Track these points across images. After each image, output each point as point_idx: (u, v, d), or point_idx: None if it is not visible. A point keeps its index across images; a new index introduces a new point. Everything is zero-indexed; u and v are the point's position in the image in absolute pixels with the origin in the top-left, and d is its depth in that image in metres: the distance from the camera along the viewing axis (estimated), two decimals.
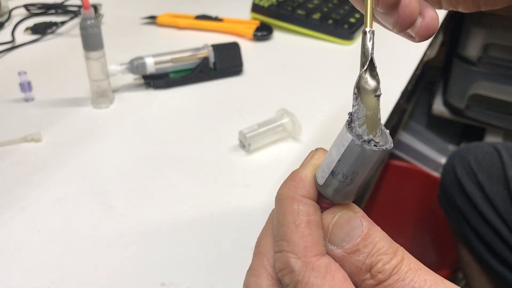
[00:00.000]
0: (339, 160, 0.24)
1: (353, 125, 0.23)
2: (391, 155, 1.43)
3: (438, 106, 1.46)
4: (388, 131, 0.24)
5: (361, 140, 0.23)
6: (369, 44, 0.24)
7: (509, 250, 0.81)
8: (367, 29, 0.24)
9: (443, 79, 1.50)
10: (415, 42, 0.30)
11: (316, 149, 0.27)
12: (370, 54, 0.24)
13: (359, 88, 0.24)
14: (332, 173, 0.24)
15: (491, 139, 1.42)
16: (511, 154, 0.85)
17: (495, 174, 0.84)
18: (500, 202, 0.82)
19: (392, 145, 0.23)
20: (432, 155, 1.44)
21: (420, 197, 1.35)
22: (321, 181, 0.25)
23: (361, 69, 0.24)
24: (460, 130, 1.58)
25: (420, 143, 1.48)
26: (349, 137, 0.23)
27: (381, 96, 0.24)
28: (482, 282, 0.91)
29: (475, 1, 0.31)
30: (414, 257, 0.25)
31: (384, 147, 0.23)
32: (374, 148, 0.23)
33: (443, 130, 1.56)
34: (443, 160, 1.40)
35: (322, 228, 0.26)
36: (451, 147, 1.50)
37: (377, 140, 0.23)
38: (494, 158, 0.86)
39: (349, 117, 0.24)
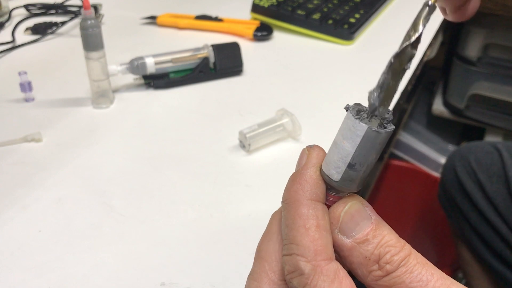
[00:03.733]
0: (355, 151, 0.24)
1: (374, 89, 0.24)
2: (391, 155, 1.43)
3: (438, 106, 1.46)
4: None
5: (376, 126, 0.24)
6: (424, 20, 0.23)
7: (509, 249, 0.81)
8: (430, 2, 0.24)
9: (443, 79, 1.50)
10: (447, 18, 0.29)
11: (310, 148, 0.27)
12: (421, 30, 0.23)
13: (397, 57, 0.23)
14: (349, 165, 0.24)
15: (491, 139, 1.42)
16: None
17: (495, 174, 0.84)
18: (501, 201, 0.82)
19: (393, 119, 0.24)
20: (432, 155, 1.44)
21: (420, 197, 1.35)
22: (337, 177, 0.25)
23: (405, 40, 0.23)
24: (460, 130, 1.58)
25: (420, 143, 1.48)
26: (364, 126, 0.23)
27: (407, 71, 0.24)
28: (482, 281, 0.91)
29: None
30: None
31: (392, 126, 0.24)
32: (388, 130, 0.24)
33: (443, 130, 1.56)
34: (443, 160, 1.40)
35: (333, 220, 0.26)
36: (451, 147, 1.50)
37: (386, 117, 0.24)
38: (495, 157, 0.86)
39: (348, 110, 0.24)
